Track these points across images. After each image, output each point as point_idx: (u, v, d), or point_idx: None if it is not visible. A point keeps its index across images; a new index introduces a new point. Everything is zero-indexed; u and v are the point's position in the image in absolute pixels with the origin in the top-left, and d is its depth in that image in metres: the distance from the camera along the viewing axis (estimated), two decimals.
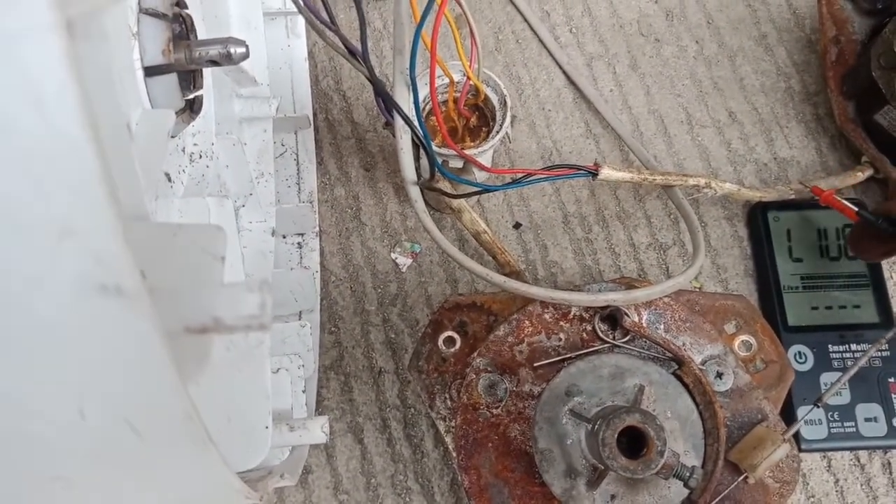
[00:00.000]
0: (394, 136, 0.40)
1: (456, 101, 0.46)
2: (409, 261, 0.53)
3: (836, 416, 0.47)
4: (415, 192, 0.42)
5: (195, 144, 0.41)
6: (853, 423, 0.47)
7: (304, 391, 0.44)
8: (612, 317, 0.39)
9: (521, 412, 0.39)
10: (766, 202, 0.51)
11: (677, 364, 0.38)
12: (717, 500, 0.36)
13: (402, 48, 0.39)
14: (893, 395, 0.47)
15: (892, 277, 0.51)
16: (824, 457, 0.48)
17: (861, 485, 0.48)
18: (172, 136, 0.38)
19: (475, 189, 0.42)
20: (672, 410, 0.37)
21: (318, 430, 0.38)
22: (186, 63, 0.34)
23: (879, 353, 0.48)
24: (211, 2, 0.42)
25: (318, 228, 0.53)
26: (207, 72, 0.42)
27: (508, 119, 0.45)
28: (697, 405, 0.37)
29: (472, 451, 0.38)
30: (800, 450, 0.47)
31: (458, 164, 0.46)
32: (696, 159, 0.55)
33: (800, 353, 0.48)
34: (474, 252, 0.52)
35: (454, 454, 0.38)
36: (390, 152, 0.55)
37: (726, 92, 0.57)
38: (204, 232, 0.24)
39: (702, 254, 0.42)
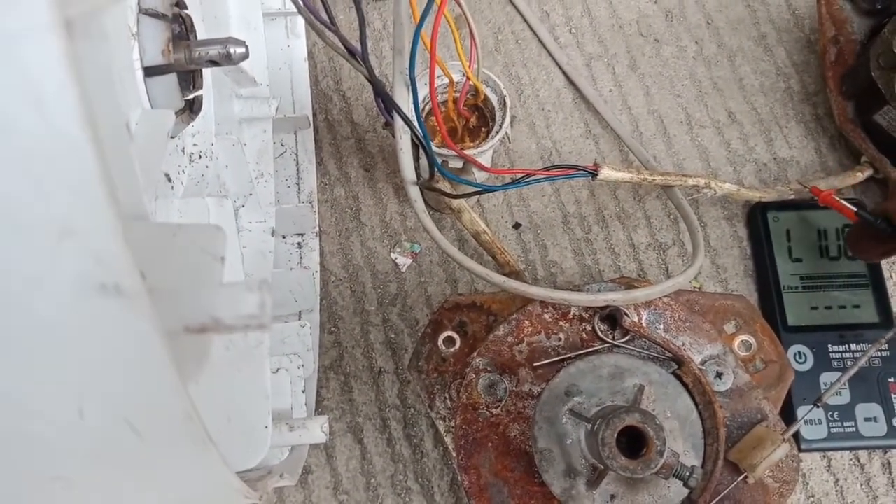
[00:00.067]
0: (393, 136, 0.40)
1: (455, 101, 0.46)
2: (409, 261, 0.53)
3: (835, 415, 0.47)
4: (414, 192, 0.42)
5: (195, 145, 0.41)
6: (853, 423, 0.47)
7: (303, 391, 0.45)
8: (612, 317, 0.39)
9: (521, 412, 0.39)
10: (765, 202, 0.51)
11: (677, 364, 0.38)
12: (716, 499, 0.36)
13: (402, 48, 0.39)
14: (893, 395, 0.47)
15: (891, 277, 0.51)
16: (824, 457, 0.48)
17: (861, 485, 0.48)
18: (172, 137, 0.38)
19: (475, 189, 0.42)
20: (672, 410, 0.37)
21: (317, 430, 0.38)
22: (186, 63, 0.34)
23: (879, 353, 0.48)
24: (210, 2, 0.42)
25: (317, 228, 0.53)
26: (207, 72, 0.42)
27: (508, 119, 0.45)
28: (697, 405, 0.37)
29: (471, 450, 0.38)
30: (800, 450, 0.47)
31: (458, 164, 0.46)
32: (695, 159, 0.55)
33: (799, 353, 0.48)
34: (474, 252, 0.52)
35: (454, 454, 0.38)
36: (390, 152, 0.55)
37: (726, 92, 0.57)
38: (203, 232, 0.24)
39: (701, 254, 0.42)
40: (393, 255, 0.53)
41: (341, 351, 0.51)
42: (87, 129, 0.14)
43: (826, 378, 0.48)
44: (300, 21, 0.54)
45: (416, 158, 0.43)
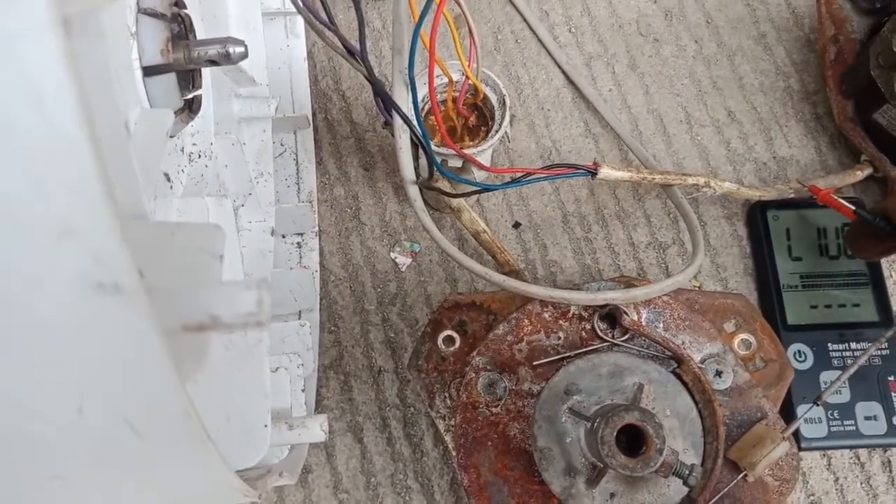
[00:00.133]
0: (393, 135, 0.40)
1: (455, 100, 0.46)
2: (409, 260, 0.53)
3: (835, 414, 0.47)
4: (414, 192, 0.42)
5: (194, 144, 0.41)
6: (853, 422, 0.47)
7: (303, 390, 0.45)
8: (612, 315, 0.39)
9: (521, 411, 0.39)
10: (765, 201, 0.51)
11: (676, 362, 0.38)
12: (716, 498, 0.36)
13: (401, 48, 0.39)
14: (893, 394, 0.47)
15: (891, 276, 0.51)
16: (824, 455, 0.48)
17: (861, 483, 0.48)
18: (171, 136, 0.38)
19: (474, 188, 0.42)
20: (671, 409, 0.37)
21: (317, 429, 0.38)
22: (185, 63, 0.34)
23: (879, 352, 0.48)
24: (210, 2, 0.42)
25: (317, 228, 0.53)
26: (206, 72, 0.42)
27: (507, 118, 0.45)
28: (696, 403, 0.37)
29: (471, 449, 0.38)
30: (800, 448, 0.47)
31: (458, 163, 0.46)
32: (695, 158, 0.55)
33: (799, 351, 0.48)
34: (473, 251, 0.52)
35: (454, 453, 0.38)
36: (389, 152, 0.55)
37: (725, 91, 0.57)
38: (202, 231, 0.24)
39: (701, 253, 0.42)
40: (392, 255, 0.53)
41: (341, 350, 0.51)
42: (85, 128, 0.14)
43: (826, 377, 0.48)
44: (299, 21, 0.54)
45: (416, 158, 0.43)
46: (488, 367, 0.39)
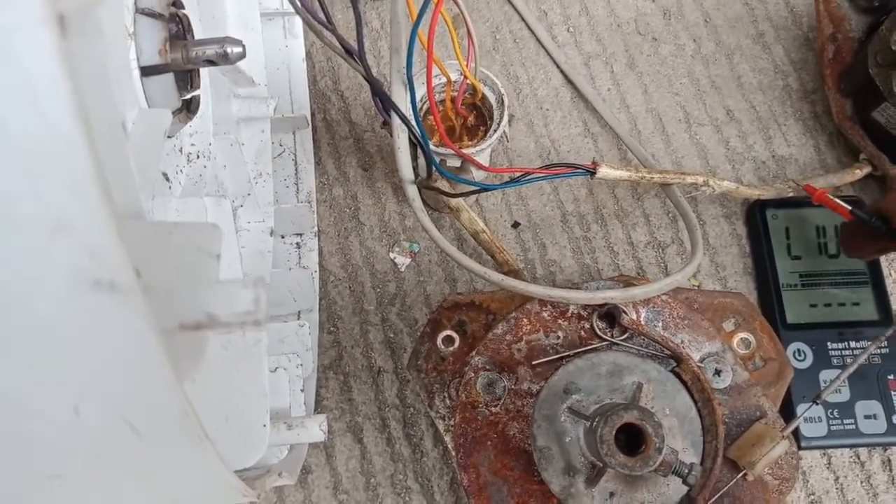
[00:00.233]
0: (391, 135, 0.40)
1: (453, 100, 0.46)
2: (408, 260, 0.53)
3: (835, 413, 0.47)
4: (412, 192, 0.42)
5: (192, 145, 0.41)
6: (853, 421, 0.47)
7: (302, 390, 0.44)
8: (611, 315, 0.39)
9: (520, 410, 0.38)
10: (764, 200, 0.51)
11: (676, 361, 0.38)
12: (715, 497, 0.36)
13: (399, 47, 0.39)
14: (893, 392, 0.47)
15: (890, 275, 0.51)
16: (824, 454, 0.48)
17: (861, 482, 0.48)
18: (169, 136, 0.38)
19: (473, 188, 0.42)
20: (670, 408, 0.37)
21: (316, 429, 0.38)
22: (183, 63, 0.34)
23: (879, 351, 0.48)
24: (208, 2, 0.42)
25: (316, 228, 0.53)
26: (205, 72, 0.42)
27: (506, 118, 0.45)
28: (696, 402, 0.37)
29: (471, 449, 0.38)
30: (799, 447, 0.47)
31: (456, 163, 0.46)
32: (694, 157, 0.55)
33: (799, 350, 0.48)
34: (473, 251, 0.52)
35: (453, 453, 0.38)
36: (388, 152, 0.55)
37: (724, 90, 0.57)
38: (199, 230, 0.24)
39: (700, 251, 0.42)
40: (392, 255, 0.53)
41: (340, 350, 0.51)
42: (79, 124, 0.14)
43: (825, 375, 0.48)
44: (298, 21, 0.54)
45: (415, 158, 0.43)
46: (487, 367, 0.39)
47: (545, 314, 0.40)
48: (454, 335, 0.41)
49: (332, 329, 0.52)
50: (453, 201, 0.43)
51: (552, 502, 0.37)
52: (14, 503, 0.21)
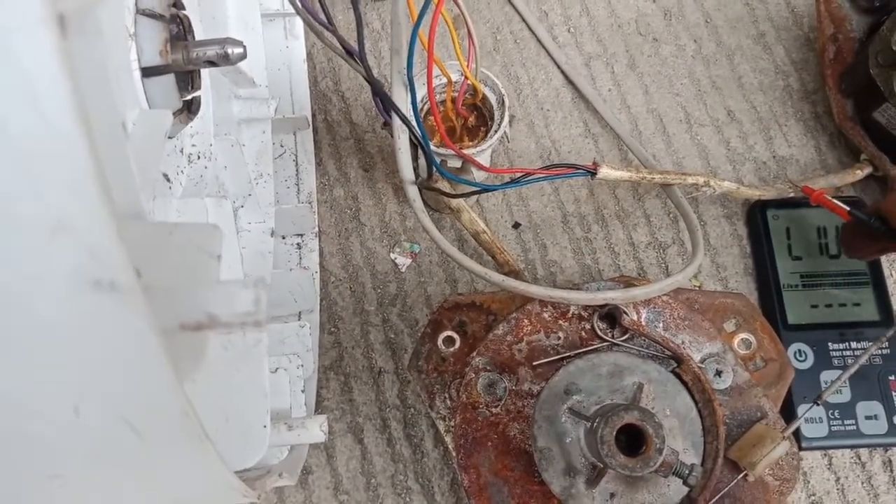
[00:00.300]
0: (392, 136, 0.40)
1: (454, 100, 0.46)
2: (409, 261, 0.53)
3: (836, 413, 0.47)
4: (413, 192, 0.42)
5: (193, 145, 0.41)
6: (854, 421, 0.47)
7: (303, 391, 0.44)
8: (611, 315, 0.39)
9: (521, 411, 0.38)
10: (765, 200, 0.51)
11: (676, 362, 0.38)
12: (716, 498, 0.36)
13: (400, 48, 0.39)
14: (894, 393, 0.47)
15: (891, 275, 0.51)
16: (825, 455, 0.48)
17: (862, 483, 0.48)
18: (170, 137, 0.38)
19: (474, 189, 0.42)
20: (671, 408, 0.37)
21: (316, 429, 0.38)
22: (184, 64, 0.34)
23: (880, 351, 0.48)
24: (208, 3, 0.42)
25: (317, 229, 0.53)
26: (205, 73, 0.42)
27: (506, 119, 0.45)
28: (696, 403, 0.37)
29: (471, 450, 0.38)
30: (800, 448, 0.47)
31: (457, 163, 0.46)
32: (694, 158, 0.55)
33: (800, 351, 0.48)
34: (473, 252, 0.52)
35: (454, 453, 0.38)
36: (389, 153, 0.55)
37: (725, 91, 0.57)
38: (199, 230, 0.24)
39: (700, 252, 0.42)
40: (392, 256, 0.53)
41: (341, 351, 0.51)
42: (79, 124, 0.14)
43: (826, 376, 0.48)
44: (298, 22, 0.54)
45: (415, 158, 0.43)
46: (488, 368, 0.39)
47: (546, 315, 0.40)
48: (455, 336, 0.41)
49: (332, 330, 0.52)
50: (454, 202, 0.43)
51: (552, 503, 0.37)
52: (14, 503, 0.21)
